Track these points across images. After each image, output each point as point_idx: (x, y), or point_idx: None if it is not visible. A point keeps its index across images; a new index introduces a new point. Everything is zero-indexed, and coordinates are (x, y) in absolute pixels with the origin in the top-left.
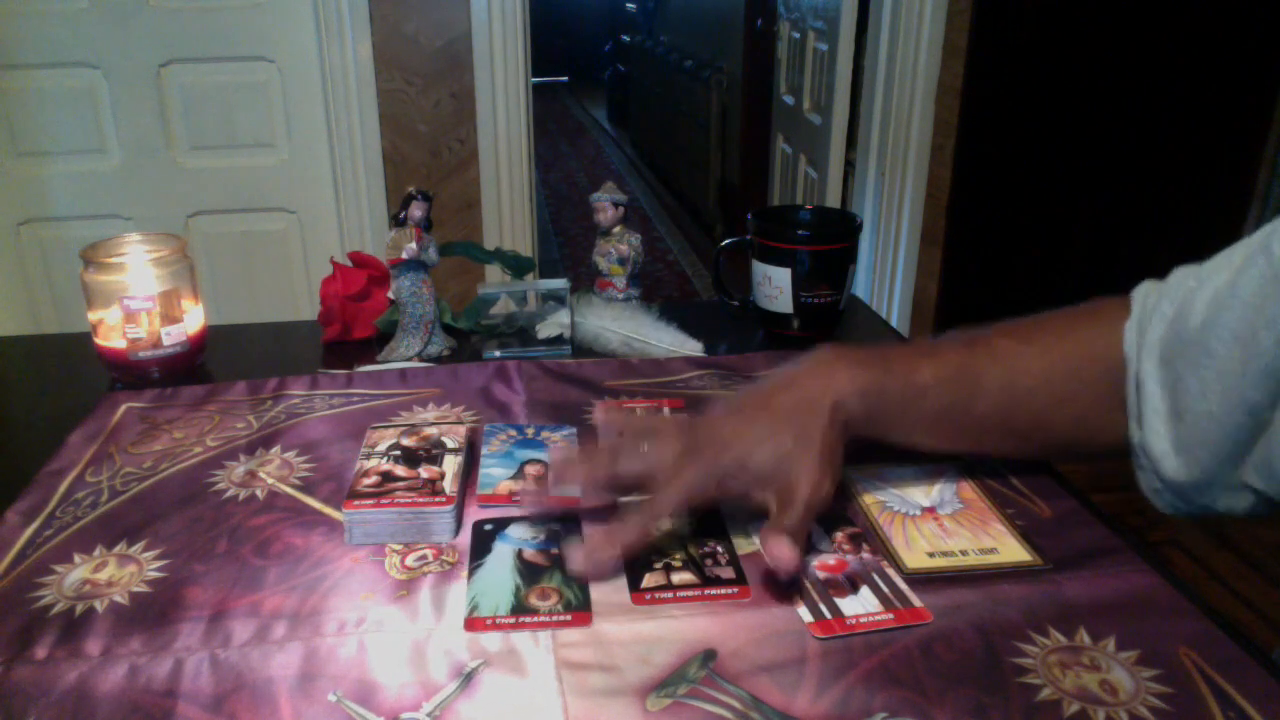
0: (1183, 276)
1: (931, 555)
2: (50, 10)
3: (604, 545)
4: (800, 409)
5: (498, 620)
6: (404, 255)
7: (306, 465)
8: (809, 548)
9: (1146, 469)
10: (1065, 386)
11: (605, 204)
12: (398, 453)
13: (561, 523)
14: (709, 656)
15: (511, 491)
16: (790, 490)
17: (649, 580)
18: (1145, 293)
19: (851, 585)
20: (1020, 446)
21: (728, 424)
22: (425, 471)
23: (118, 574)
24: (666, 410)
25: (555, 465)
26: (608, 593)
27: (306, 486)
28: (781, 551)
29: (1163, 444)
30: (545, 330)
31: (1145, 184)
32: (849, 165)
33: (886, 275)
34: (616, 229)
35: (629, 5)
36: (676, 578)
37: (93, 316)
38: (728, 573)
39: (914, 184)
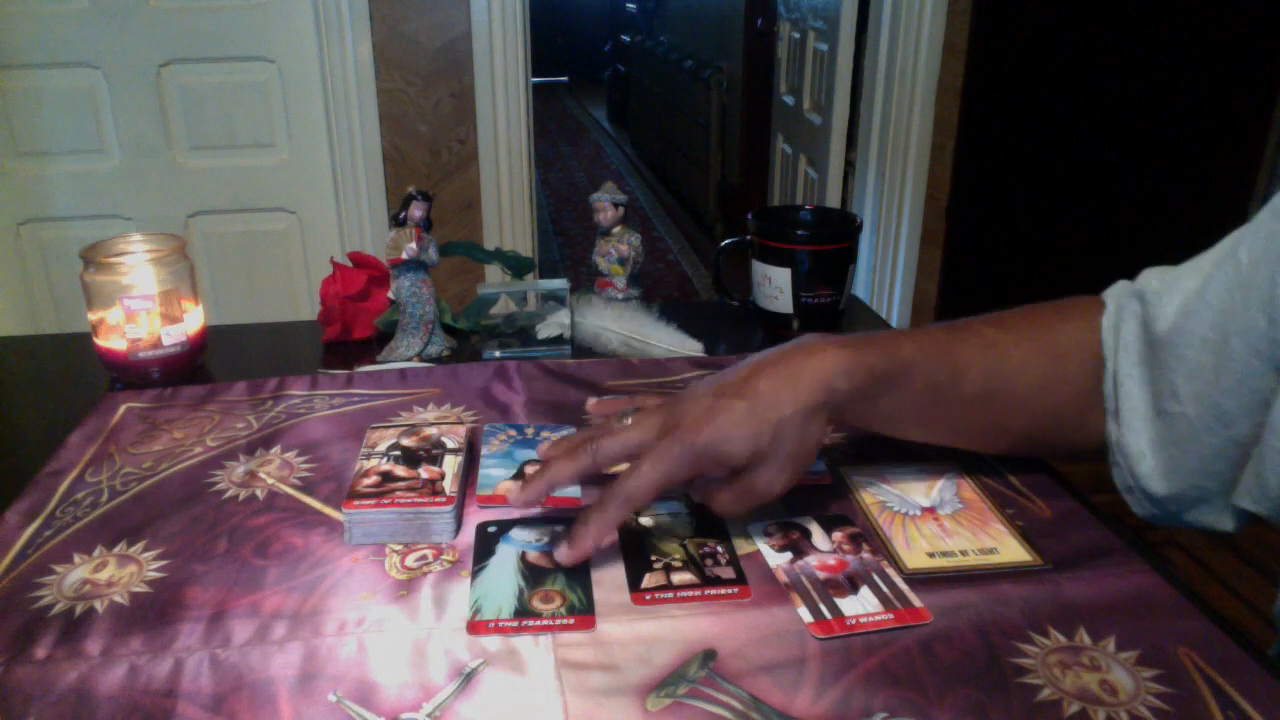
0: (1149, 276)
1: (931, 555)
2: (50, 10)
3: (587, 536)
4: (785, 392)
5: (500, 624)
6: (404, 255)
7: (306, 465)
8: (809, 548)
9: (1121, 466)
10: (1046, 375)
11: (605, 204)
12: (398, 453)
13: (565, 525)
14: (709, 656)
15: (511, 493)
16: (748, 488)
17: (649, 580)
18: (1120, 291)
19: (851, 585)
20: (1001, 438)
21: (707, 405)
22: (425, 472)
23: (118, 574)
24: None
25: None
26: (608, 593)
27: (306, 486)
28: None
29: (1140, 441)
30: (545, 330)
31: (1145, 184)
32: (849, 165)
33: (886, 275)
34: (616, 229)
35: (629, 5)
36: (676, 578)
37: (93, 316)
38: (728, 573)
39: (914, 184)
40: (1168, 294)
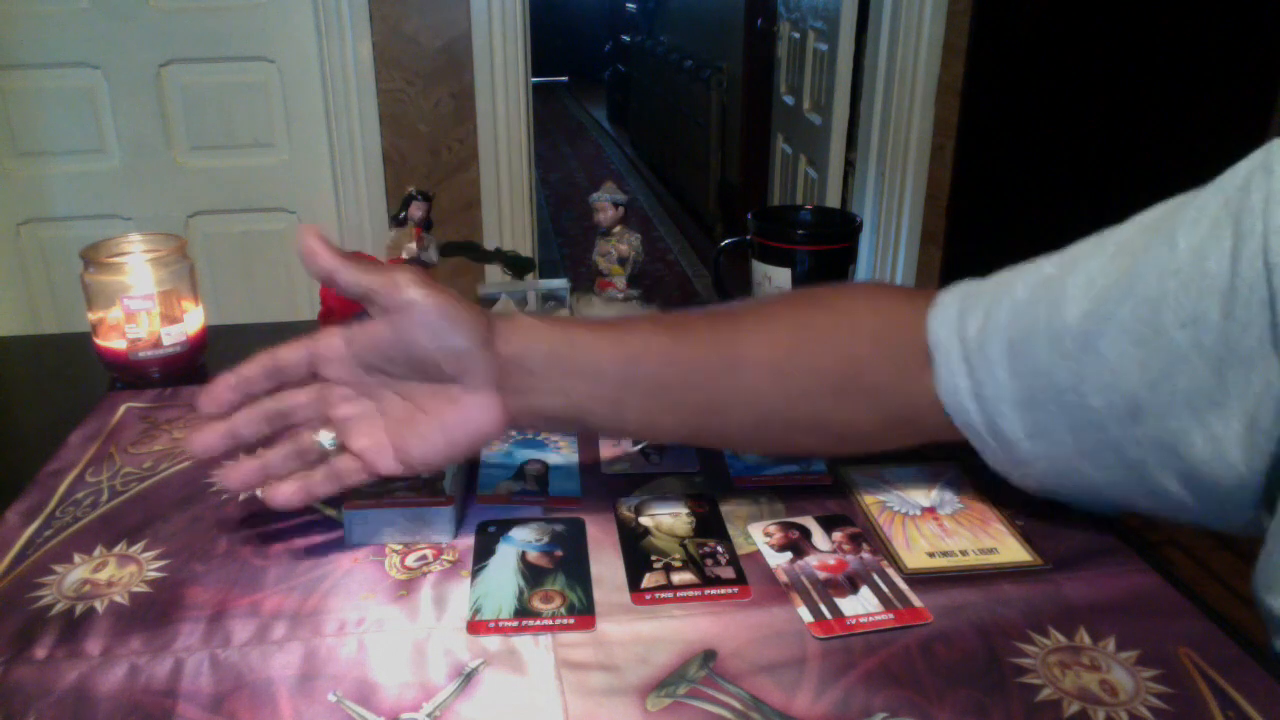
0: (1024, 267)
1: (931, 555)
2: (50, 10)
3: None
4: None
5: (500, 624)
6: (404, 255)
7: None
8: (809, 548)
9: (995, 450)
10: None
11: (605, 204)
12: None
13: (565, 525)
14: (709, 656)
15: (511, 492)
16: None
17: (649, 580)
18: (967, 286)
19: (851, 585)
20: (784, 430)
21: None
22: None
23: (118, 574)
24: None
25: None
26: (608, 593)
27: None
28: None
29: (1014, 428)
30: None
31: (1145, 184)
32: (849, 165)
33: (886, 275)
34: (616, 229)
35: (629, 5)
36: (676, 578)
37: (93, 316)
38: (728, 573)
39: (914, 184)
40: (1067, 278)
